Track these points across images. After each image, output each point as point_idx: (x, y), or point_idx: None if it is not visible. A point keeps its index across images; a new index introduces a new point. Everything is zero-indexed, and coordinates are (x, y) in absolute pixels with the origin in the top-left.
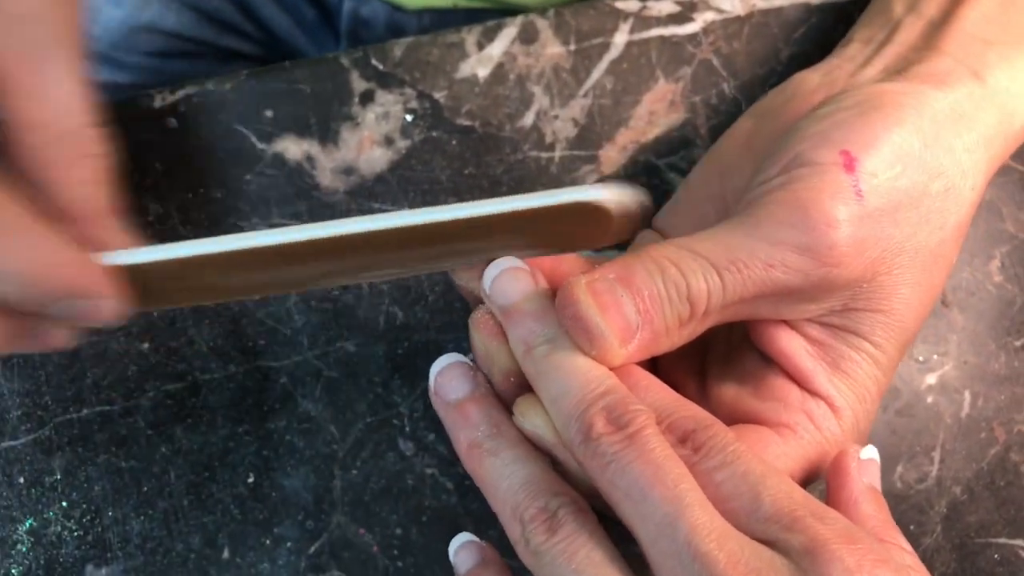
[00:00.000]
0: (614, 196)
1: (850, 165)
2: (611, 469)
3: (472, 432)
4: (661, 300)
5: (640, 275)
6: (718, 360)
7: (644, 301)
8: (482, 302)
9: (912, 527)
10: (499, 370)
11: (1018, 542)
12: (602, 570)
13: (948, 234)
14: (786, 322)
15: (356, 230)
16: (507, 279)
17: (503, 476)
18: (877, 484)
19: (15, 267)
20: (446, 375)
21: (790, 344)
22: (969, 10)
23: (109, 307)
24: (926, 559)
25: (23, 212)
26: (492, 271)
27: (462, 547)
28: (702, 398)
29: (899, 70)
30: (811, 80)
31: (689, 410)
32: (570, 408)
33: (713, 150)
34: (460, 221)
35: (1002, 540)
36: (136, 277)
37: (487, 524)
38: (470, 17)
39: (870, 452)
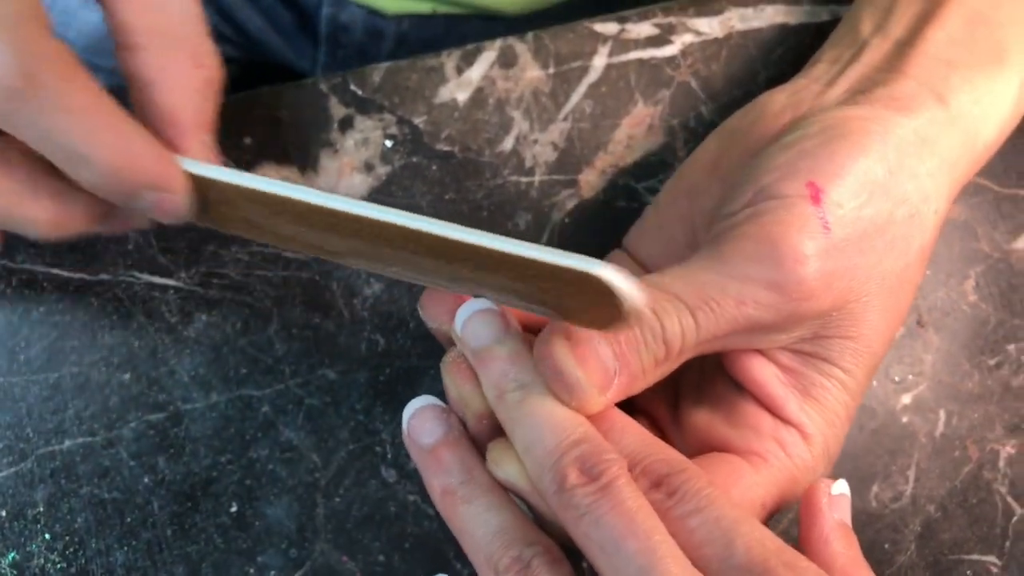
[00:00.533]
0: (636, 296)
1: (816, 197)
2: (585, 521)
3: (445, 478)
4: (637, 344)
5: None
6: (691, 387)
7: (620, 346)
8: (453, 344)
9: (887, 545)
10: (472, 413)
11: (990, 558)
12: None
13: (913, 259)
14: (758, 350)
15: (379, 218)
16: (479, 321)
17: (477, 524)
18: (847, 519)
19: (103, 155)
20: (419, 418)
21: (762, 372)
22: (935, 31)
23: (179, 204)
24: None
25: (116, 107)
26: (464, 312)
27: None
28: (675, 424)
29: (863, 91)
30: (777, 101)
31: (663, 453)
32: (543, 458)
33: (681, 171)
34: (477, 247)
35: (975, 556)
36: (201, 189)
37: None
38: (449, 23)
39: (840, 487)
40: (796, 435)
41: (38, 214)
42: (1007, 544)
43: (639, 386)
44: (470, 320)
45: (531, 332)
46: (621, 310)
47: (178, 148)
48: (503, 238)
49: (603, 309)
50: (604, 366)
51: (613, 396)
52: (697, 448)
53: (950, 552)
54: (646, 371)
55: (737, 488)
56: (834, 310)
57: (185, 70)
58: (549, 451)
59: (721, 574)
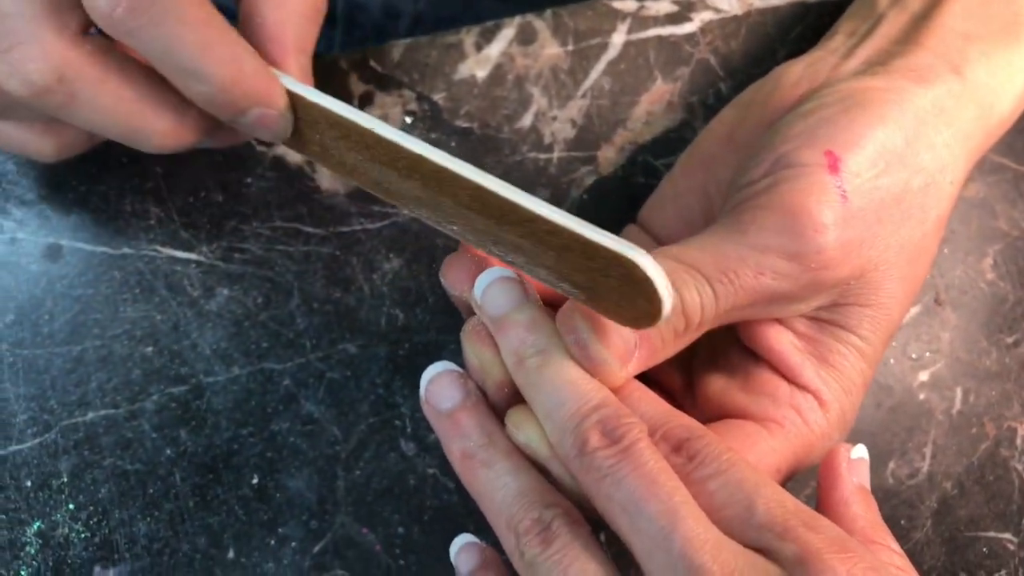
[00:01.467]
0: (671, 298)
1: (834, 165)
2: (606, 483)
3: (464, 442)
4: None
5: None
6: (704, 354)
7: None
8: (472, 312)
9: (903, 522)
10: (492, 381)
11: (1006, 535)
12: None
13: (930, 228)
14: (777, 319)
15: (439, 161)
16: (498, 289)
17: (497, 487)
18: (867, 483)
19: (215, 71)
20: (437, 383)
21: (778, 339)
22: (952, 4)
23: (280, 122)
24: (916, 553)
25: (227, 24)
26: (484, 280)
27: (463, 548)
28: (688, 393)
29: (880, 63)
30: (794, 72)
31: (682, 420)
32: (564, 422)
33: (696, 142)
34: (533, 214)
35: (991, 533)
36: (296, 110)
37: (488, 524)
38: (464, 1)
39: (860, 451)
40: (813, 402)
41: (156, 125)
42: (1023, 521)
43: (658, 358)
44: (490, 287)
45: (550, 307)
46: (652, 307)
47: (278, 66)
48: (558, 210)
49: (634, 302)
50: (624, 339)
51: (633, 369)
52: (712, 416)
53: (966, 529)
54: (666, 344)
55: (753, 453)
56: (852, 279)
57: None
58: (570, 415)
59: (742, 534)
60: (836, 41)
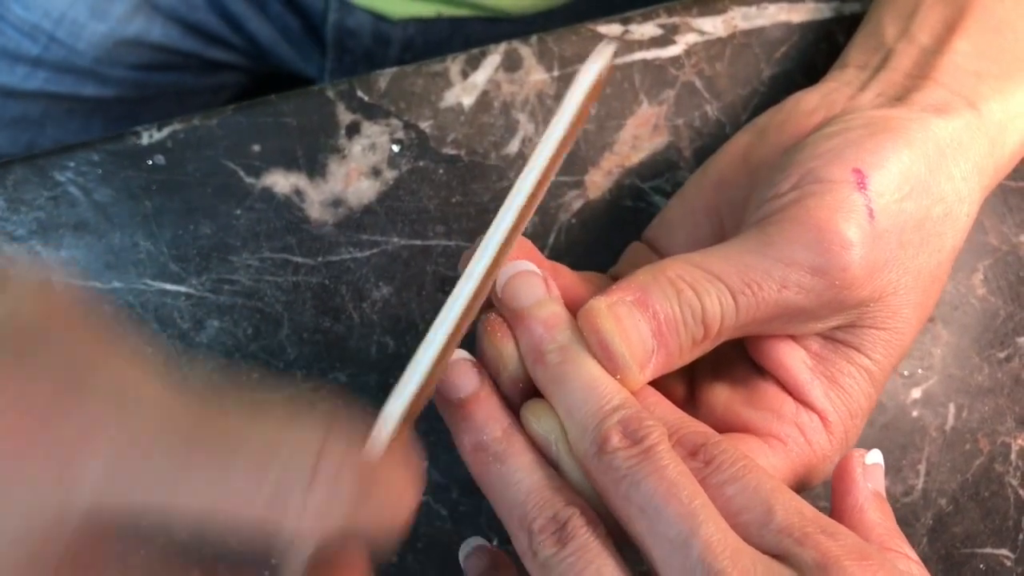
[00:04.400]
0: (605, 60)
1: (861, 183)
2: (625, 483)
3: (477, 434)
4: (676, 323)
5: (656, 297)
6: (706, 366)
7: (661, 325)
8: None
9: None
10: (508, 376)
11: (1003, 551)
12: None
13: (944, 257)
14: (790, 336)
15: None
16: (520, 283)
17: (509, 483)
18: (882, 489)
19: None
20: (451, 372)
21: (790, 356)
22: (960, 42)
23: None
24: None
25: None
26: (506, 272)
27: (473, 552)
28: (690, 403)
29: (898, 97)
30: (809, 101)
31: (698, 426)
32: (585, 420)
33: (709, 163)
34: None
35: (987, 550)
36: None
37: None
38: (454, 26)
39: (875, 456)
40: (818, 422)
41: None
42: (1020, 537)
43: (674, 365)
44: (511, 280)
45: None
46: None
47: None
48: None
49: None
50: (644, 343)
51: (650, 374)
52: (714, 427)
53: (962, 546)
54: (683, 351)
55: None
56: (871, 300)
57: None
58: (592, 413)
59: (760, 540)
60: (848, 74)
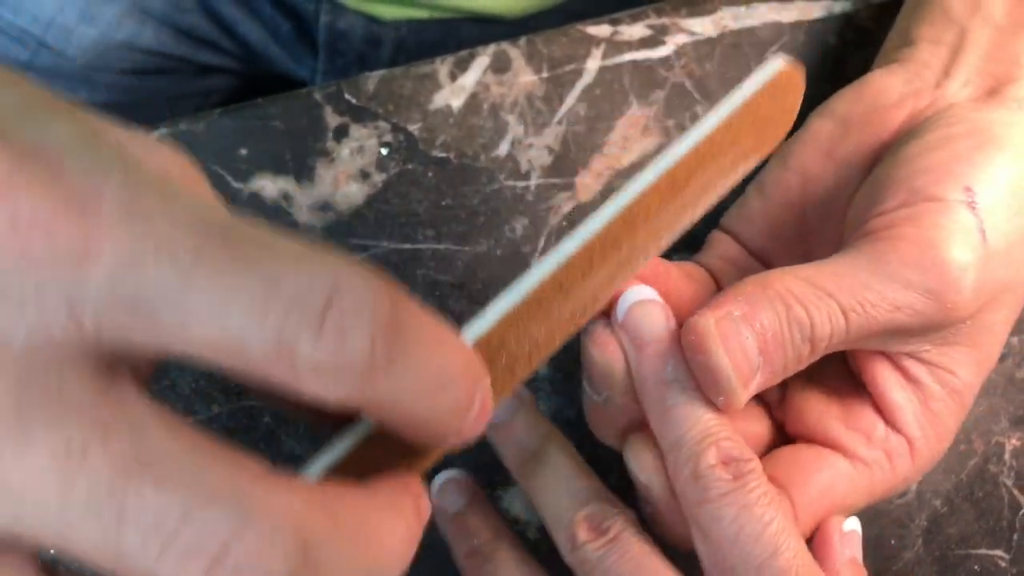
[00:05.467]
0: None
1: (972, 202)
2: (711, 508)
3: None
4: (783, 339)
5: (766, 313)
6: (802, 371)
7: (768, 343)
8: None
9: (893, 541)
10: (618, 389)
11: (998, 552)
12: None
13: None
14: (884, 353)
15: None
16: (644, 312)
17: None
18: (859, 556)
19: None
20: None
21: (885, 377)
22: None
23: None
24: (908, 573)
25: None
26: (629, 298)
27: (447, 483)
28: (780, 406)
29: (990, 91)
30: (891, 88)
31: (738, 439)
32: (688, 449)
33: (790, 155)
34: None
35: (982, 551)
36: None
37: None
38: (446, 28)
39: (852, 524)
40: (905, 447)
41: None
42: (1015, 537)
43: (775, 382)
44: (635, 307)
45: None
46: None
47: None
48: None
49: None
50: (749, 359)
51: (752, 390)
52: (801, 436)
53: (957, 547)
54: (787, 368)
55: (836, 493)
56: (968, 318)
57: None
58: (696, 440)
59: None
60: (922, 51)
